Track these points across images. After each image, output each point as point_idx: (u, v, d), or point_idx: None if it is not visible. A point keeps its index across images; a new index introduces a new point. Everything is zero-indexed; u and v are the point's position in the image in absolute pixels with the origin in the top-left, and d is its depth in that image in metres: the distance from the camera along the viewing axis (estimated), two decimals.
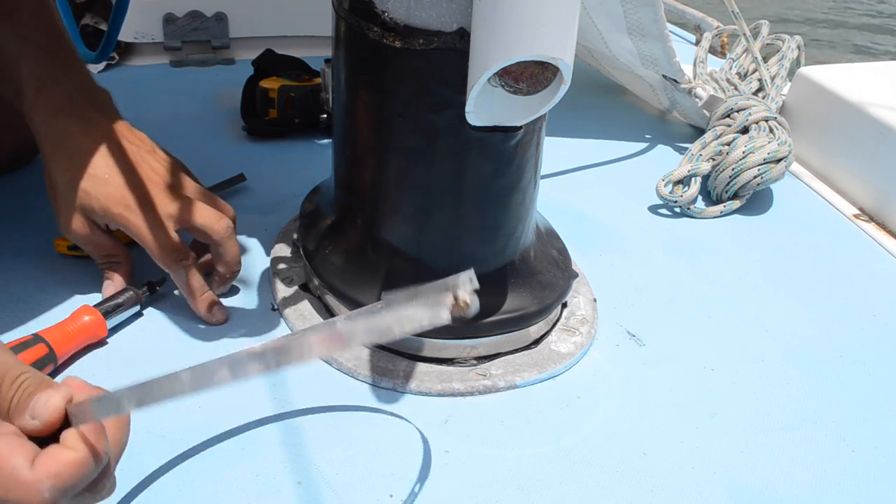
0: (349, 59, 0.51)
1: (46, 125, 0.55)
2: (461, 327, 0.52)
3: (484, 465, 0.46)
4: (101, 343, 0.53)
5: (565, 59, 0.41)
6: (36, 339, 0.49)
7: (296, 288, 0.58)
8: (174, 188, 0.55)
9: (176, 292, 0.57)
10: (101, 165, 0.54)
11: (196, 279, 0.54)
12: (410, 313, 0.29)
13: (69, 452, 0.32)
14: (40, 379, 0.34)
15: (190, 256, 0.54)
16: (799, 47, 0.96)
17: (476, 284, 0.29)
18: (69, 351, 0.50)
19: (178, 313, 0.56)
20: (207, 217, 0.55)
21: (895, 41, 4.40)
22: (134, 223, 0.53)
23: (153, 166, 0.55)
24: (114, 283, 0.56)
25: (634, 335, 0.58)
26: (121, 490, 0.42)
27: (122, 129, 0.57)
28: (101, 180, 0.53)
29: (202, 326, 0.55)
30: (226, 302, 0.57)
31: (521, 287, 0.53)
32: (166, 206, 0.54)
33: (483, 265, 0.53)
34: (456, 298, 0.30)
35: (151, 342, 0.54)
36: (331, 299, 0.55)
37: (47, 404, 0.32)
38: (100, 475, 0.34)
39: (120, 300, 0.54)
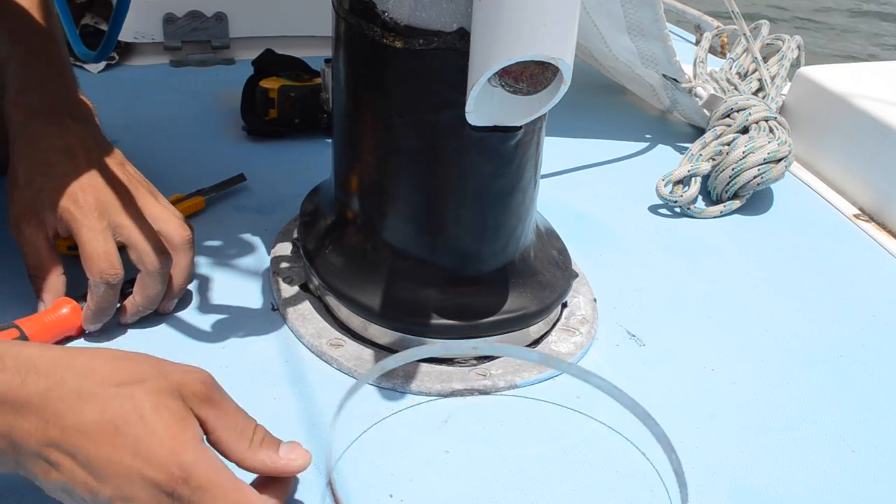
0: (349, 59, 0.51)
1: (21, 125, 0.55)
2: (461, 327, 0.52)
3: (484, 465, 0.46)
4: (79, 335, 0.53)
5: (565, 59, 0.41)
6: (10, 325, 0.49)
7: (296, 288, 0.58)
8: (134, 200, 0.53)
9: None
10: (63, 164, 0.53)
11: (108, 300, 0.51)
12: None
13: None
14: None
15: (119, 276, 0.51)
16: (799, 47, 0.96)
17: None
18: (45, 341, 0.50)
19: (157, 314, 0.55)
20: (170, 223, 0.53)
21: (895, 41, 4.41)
22: (77, 219, 0.51)
23: (118, 176, 0.54)
24: (43, 301, 0.53)
25: (634, 335, 0.58)
26: None
27: (96, 140, 0.56)
28: (59, 177, 0.52)
29: (187, 325, 0.55)
30: (226, 302, 0.57)
31: (522, 287, 0.53)
32: (118, 215, 0.52)
33: (483, 265, 0.53)
34: None
35: (133, 338, 0.53)
36: (331, 299, 0.55)
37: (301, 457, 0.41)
38: None
39: None
